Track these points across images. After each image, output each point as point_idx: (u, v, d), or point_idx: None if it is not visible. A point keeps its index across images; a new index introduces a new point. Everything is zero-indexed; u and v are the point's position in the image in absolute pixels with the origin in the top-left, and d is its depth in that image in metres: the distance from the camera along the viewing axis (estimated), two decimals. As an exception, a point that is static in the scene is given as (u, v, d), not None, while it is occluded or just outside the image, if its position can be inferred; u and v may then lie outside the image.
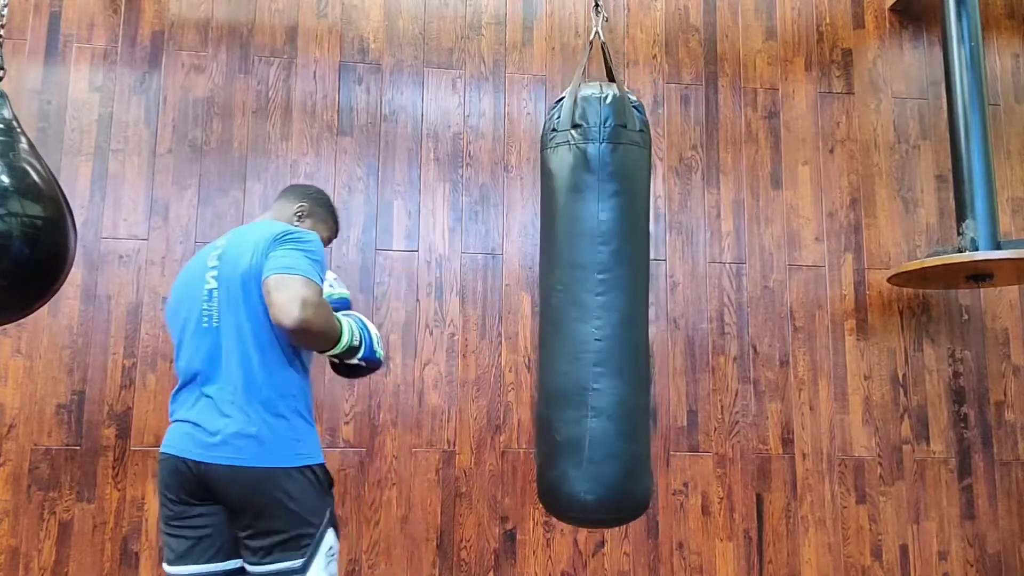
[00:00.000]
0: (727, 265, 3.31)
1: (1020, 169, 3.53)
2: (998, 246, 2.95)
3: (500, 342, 3.14)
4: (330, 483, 1.89)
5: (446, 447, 3.06)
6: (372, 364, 2.02)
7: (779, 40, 3.52)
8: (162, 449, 1.89)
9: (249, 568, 1.81)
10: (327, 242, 2.18)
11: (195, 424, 1.83)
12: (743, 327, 3.27)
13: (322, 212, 2.19)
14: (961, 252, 2.95)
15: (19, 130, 2.09)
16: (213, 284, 1.89)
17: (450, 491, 3.04)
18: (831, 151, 3.46)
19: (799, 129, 3.46)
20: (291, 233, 1.88)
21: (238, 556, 1.86)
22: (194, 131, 3.14)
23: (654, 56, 3.44)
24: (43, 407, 2.90)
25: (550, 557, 3.04)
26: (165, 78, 3.17)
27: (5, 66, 2.16)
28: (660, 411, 3.17)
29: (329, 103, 3.23)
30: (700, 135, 3.39)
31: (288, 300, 1.72)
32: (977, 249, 2.94)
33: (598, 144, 1.83)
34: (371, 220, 3.15)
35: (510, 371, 3.13)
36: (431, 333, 3.11)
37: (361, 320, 2.01)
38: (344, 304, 2.03)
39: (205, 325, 1.88)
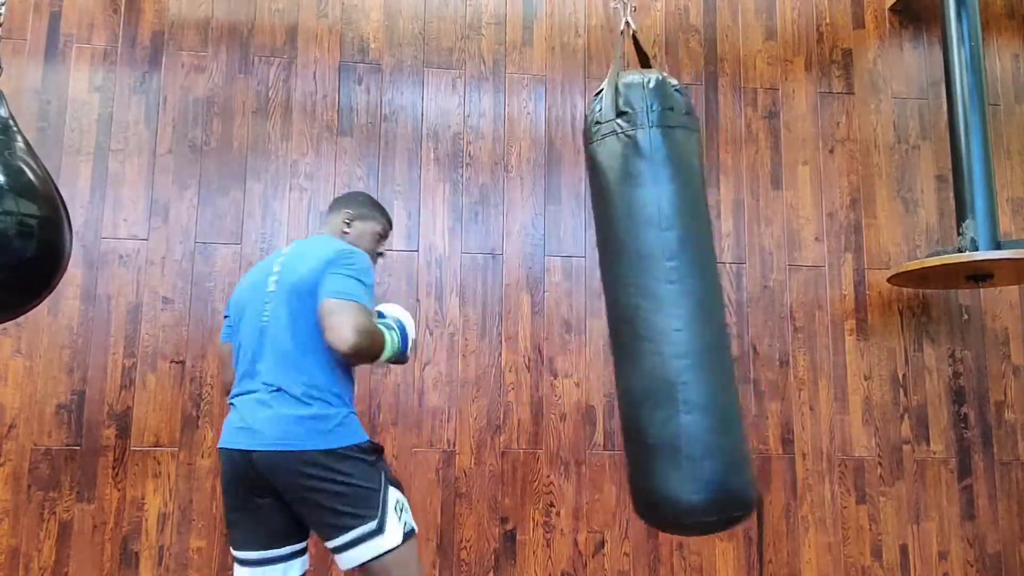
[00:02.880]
0: (727, 265, 3.31)
1: (1020, 169, 3.53)
2: (998, 246, 2.95)
3: (500, 342, 3.14)
4: (378, 452, 2.01)
5: (446, 447, 3.06)
6: (403, 361, 2.16)
7: (779, 40, 3.52)
8: (219, 444, 2.03)
9: (328, 545, 1.92)
10: (384, 235, 2.30)
11: (243, 416, 1.97)
12: (743, 327, 3.27)
13: (366, 210, 2.27)
14: (961, 252, 2.95)
15: (15, 129, 2.09)
16: (273, 288, 2.05)
17: (450, 491, 3.04)
18: (831, 151, 3.46)
19: (799, 129, 3.46)
20: (346, 256, 2.00)
21: (298, 539, 2.01)
22: (194, 131, 3.14)
23: (654, 56, 3.41)
24: (43, 407, 2.90)
25: (550, 557, 3.04)
26: (165, 78, 3.17)
27: (3, 65, 2.15)
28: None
29: (329, 103, 3.23)
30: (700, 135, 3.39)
31: (342, 326, 1.86)
32: (977, 249, 2.94)
33: (647, 130, 1.78)
34: (371, 220, 3.14)
35: (510, 371, 3.13)
36: (431, 333, 3.11)
37: (400, 323, 2.13)
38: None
39: (262, 323, 2.02)
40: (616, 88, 1.85)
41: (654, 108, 1.80)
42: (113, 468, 2.91)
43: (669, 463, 1.67)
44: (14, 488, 2.85)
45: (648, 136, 1.78)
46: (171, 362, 2.98)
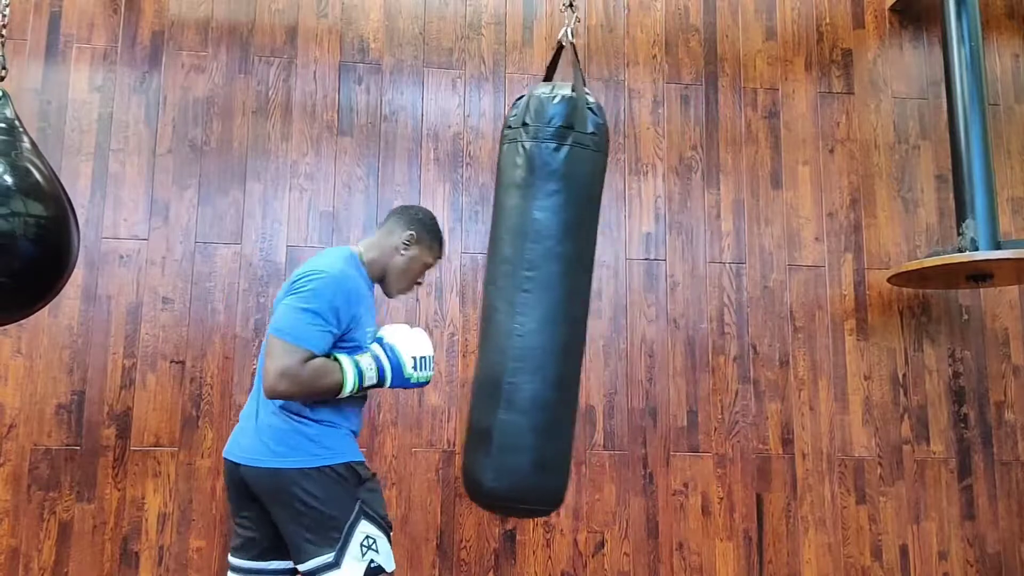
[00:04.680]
0: (727, 265, 3.31)
1: (1020, 169, 3.53)
2: (998, 246, 2.95)
3: (500, 342, 3.14)
4: (361, 479, 1.92)
5: (446, 447, 3.06)
6: (410, 388, 2.04)
7: (779, 40, 3.52)
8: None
9: (298, 569, 1.88)
10: (431, 265, 2.19)
11: (239, 428, 2.01)
12: (743, 327, 3.27)
13: (428, 239, 2.15)
14: (961, 252, 2.95)
15: (21, 129, 2.10)
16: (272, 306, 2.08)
17: (450, 491, 3.04)
18: (831, 151, 3.46)
19: (799, 129, 3.46)
20: (303, 279, 1.90)
21: (282, 557, 1.95)
22: (194, 131, 3.14)
23: (654, 56, 3.44)
24: (43, 407, 2.90)
25: (550, 557, 3.04)
26: (165, 78, 3.17)
27: (6, 66, 2.16)
28: (660, 411, 3.17)
29: (329, 103, 3.23)
30: (700, 135, 3.39)
31: (268, 370, 1.81)
32: (977, 249, 2.94)
33: (540, 143, 1.83)
34: (371, 220, 3.15)
35: (510, 371, 3.12)
36: (431, 333, 3.11)
37: (393, 348, 1.97)
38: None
39: (264, 339, 2.01)
40: (528, 98, 1.88)
41: (553, 123, 1.83)
42: (113, 468, 2.91)
43: (482, 450, 1.82)
44: (14, 488, 2.85)
45: (540, 149, 1.83)
46: (171, 362, 2.98)
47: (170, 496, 2.91)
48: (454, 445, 3.06)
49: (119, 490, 2.90)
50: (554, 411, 1.83)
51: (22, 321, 2.73)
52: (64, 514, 2.86)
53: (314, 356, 1.83)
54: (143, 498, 2.90)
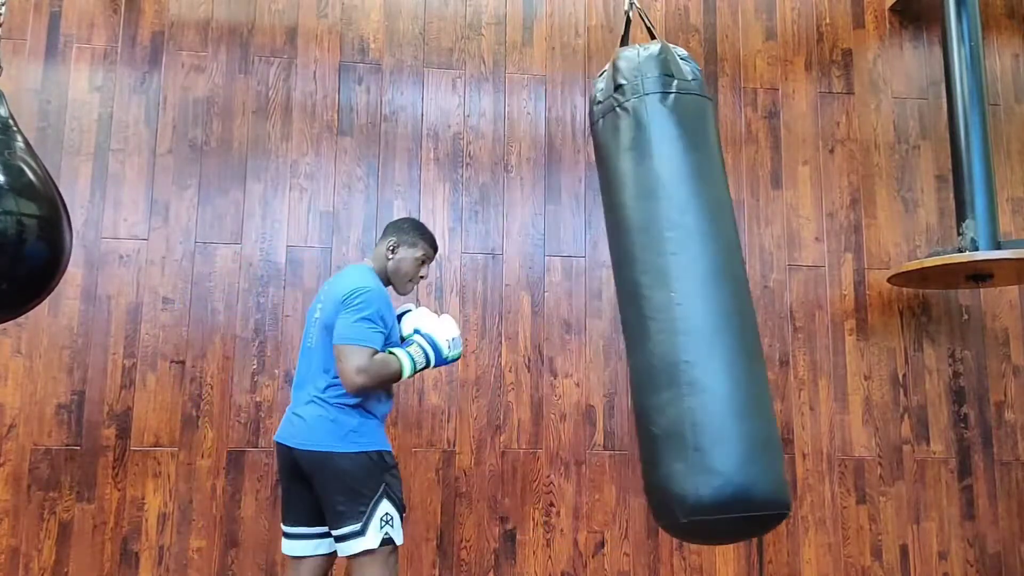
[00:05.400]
0: (727, 265, 3.30)
1: (1020, 169, 3.53)
2: (998, 246, 2.95)
3: (500, 342, 3.14)
4: (388, 465, 2.26)
5: (446, 447, 3.06)
6: (450, 363, 2.42)
7: (779, 40, 3.52)
8: (275, 437, 2.36)
9: (332, 533, 2.22)
10: (427, 259, 2.49)
11: (291, 418, 2.31)
12: (743, 327, 3.26)
13: (409, 236, 2.45)
14: (961, 252, 2.95)
15: (15, 128, 2.09)
16: (318, 315, 2.34)
17: (450, 491, 3.04)
18: (831, 151, 3.46)
19: (799, 129, 3.46)
20: (354, 297, 2.24)
21: (321, 523, 2.28)
22: (194, 131, 3.14)
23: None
24: (43, 407, 2.90)
25: (550, 557, 3.04)
26: (165, 78, 3.17)
27: (3, 65, 2.15)
28: (660, 411, 3.17)
29: (329, 103, 3.23)
30: (700, 135, 3.39)
31: (345, 371, 2.17)
32: (977, 249, 2.94)
33: (642, 97, 1.72)
34: (371, 220, 3.15)
35: (510, 371, 3.13)
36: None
37: (430, 336, 2.35)
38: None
39: (308, 346, 2.36)
40: (614, 64, 1.82)
41: (649, 76, 1.74)
42: (113, 468, 2.91)
43: (675, 454, 1.48)
44: (14, 488, 2.84)
45: (644, 104, 1.72)
46: (171, 362, 2.98)
47: (170, 496, 2.91)
48: (454, 445, 3.06)
49: (119, 490, 2.90)
50: (748, 385, 1.52)
51: (22, 321, 2.73)
52: (64, 514, 2.86)
53: (377, 352, 2.21)
54: (143, 498, 2.90)
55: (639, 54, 1.78)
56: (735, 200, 3.34)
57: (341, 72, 3.26)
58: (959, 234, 3.03)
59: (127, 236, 3.05)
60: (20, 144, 2.07)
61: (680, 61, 1.81)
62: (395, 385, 2.38)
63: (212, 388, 2.98)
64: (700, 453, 1.45)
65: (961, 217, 3.03)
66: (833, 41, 3.55)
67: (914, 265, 3.03)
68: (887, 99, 3.53)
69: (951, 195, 3.17)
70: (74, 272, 2.89)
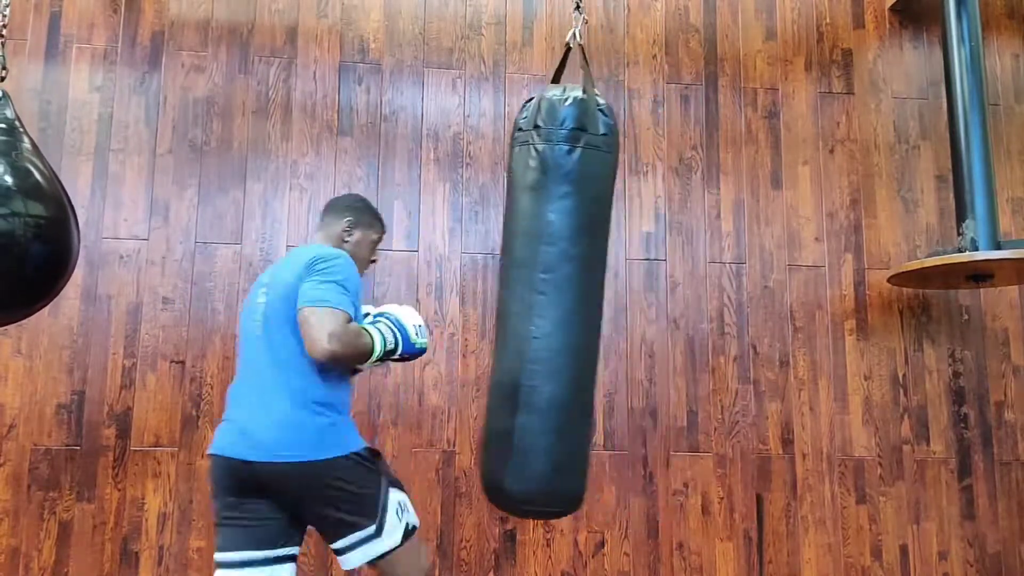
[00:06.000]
0: (727, 265, 3.31)
1: (1020, 169, 3.53)
2: (998, 246, 2.95)
3: (500, 342, 3.14)
4: (374, 455, 2.09)
5: (446, 447, 3.06)
6: (414, 355, 2.20)
7: (779, 40, 3.52)
8: (210, 451, 2.05)
9: (332, 547, 2.01)
10: (380, 240, 2.34)
11: (243, 426, 2.00)
12: (743, 327, 3.27)
13: (367, 218, 2.30)
14: (961, 252, 2.95)
15: (21, 130, 2.09)
16: (263, 299, 2.09)
17: (450, 491, 3.04)
18: (831, 151, 3.46)
19: (799, 129, 3.46)
20: (323, 260, 2.02)
21: (286, 544, 2.02)
22: (194, 131, 3.14)
23: (654, 56, 3.44)
24: (43, 407, 2.90)
25: (550, 557, 3.04)
26: (165, 78, 3.17)
27: (6, 66, 2.15)
28: (660, 411, 3.17)
29: (329, 103, 3.23)
30: (700, 135, 3.40)
31: (317, 335, 1.90)
32: (977, 249, 2.94)
33: (553, 145, 1.83)
34: (371, 220, 3.15)
35: (510, 371, 3.12)
36: (431, 333, 3.11)
37: (396, 319, 2.15)
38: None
39: (256, 335, 2.07)
40: (538, 102, 1.88)
41: (566, 125, 1.83)
42: (113, 468, 2.91)
43: (502, 454, 1.82)
44: (14, 488, 2.85)
45: (553, 152, 1.83)
46: (171, 362, 2.98)
47: (170, 496, 2.91)
48: (454, 445, 3.06)
49: (119, 490, 2.90)
50: (571, 413, 1.83)
51: (22, 321, 2.73)
52: (64, 514, 2.86)
53: (351, 320, 1.98)
54: (143, 498, 2.90)
55: (562, 99, 1.85)
56: (735, 200, 3.36)
57: (341, 72, 3.26)
58: (959, 234, 3.03)
59: (127, 236, 3.05)
60: (27, 145, 2.07)
61: (598, 113, 1.87)
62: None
63: (212, 388, 2.98)
64: (522, 456, 1.79)
65: (961, 217, 3.03)
66: (833, 41, 3.55)
67: (914, 265, 3.03)
68: (887, 99, 3.53)
69: (951, 195, 3.18)
70: (74, 272, 2.87)
